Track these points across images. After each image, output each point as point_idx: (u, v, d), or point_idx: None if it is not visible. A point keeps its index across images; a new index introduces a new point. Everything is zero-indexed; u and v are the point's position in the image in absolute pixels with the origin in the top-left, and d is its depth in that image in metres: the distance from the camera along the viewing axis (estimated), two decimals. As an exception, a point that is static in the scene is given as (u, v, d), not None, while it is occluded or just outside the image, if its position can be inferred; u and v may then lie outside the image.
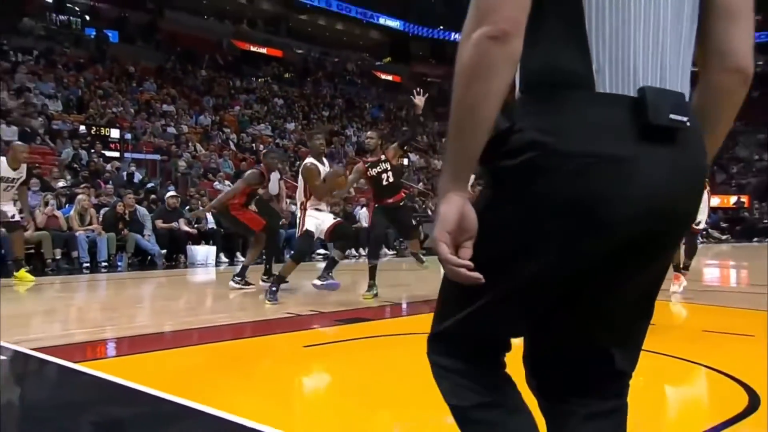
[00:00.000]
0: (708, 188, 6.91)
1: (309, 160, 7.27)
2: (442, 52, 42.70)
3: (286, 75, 33.08)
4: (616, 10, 1.10)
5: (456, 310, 1.28)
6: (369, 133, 7.83)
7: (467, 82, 1.10)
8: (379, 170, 7.15)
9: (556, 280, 1.18)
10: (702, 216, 7.05)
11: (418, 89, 7.30)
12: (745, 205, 33.44)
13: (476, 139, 1.12)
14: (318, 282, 6.84)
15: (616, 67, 1.11)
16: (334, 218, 7.19)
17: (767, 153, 37.89)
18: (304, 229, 6.90)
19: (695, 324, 5.90)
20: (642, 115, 1.07)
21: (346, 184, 7.50)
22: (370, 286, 7.33)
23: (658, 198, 1.09)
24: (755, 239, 28.34)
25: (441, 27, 42.36)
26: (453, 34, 42.44)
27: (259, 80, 31.09)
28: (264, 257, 9.07)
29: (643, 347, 4.46)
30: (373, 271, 7.43)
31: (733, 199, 33.73)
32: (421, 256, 8.05)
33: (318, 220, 6.93)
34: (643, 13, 1.12)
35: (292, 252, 7.46)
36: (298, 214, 7.16)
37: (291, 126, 26.94)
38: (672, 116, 1.08)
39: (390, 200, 7.26)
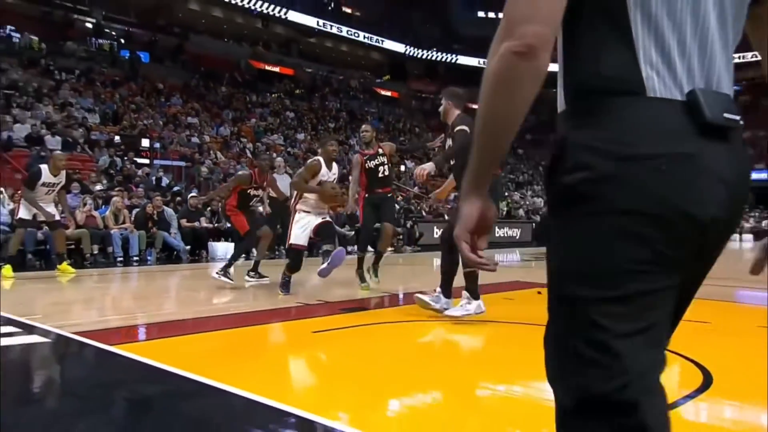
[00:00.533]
0: None
1: (316, 158, 6.99)
2: (435, 71, 42.80)
3: (297, 91, 33.09)
4: (665, 15, 1.03)
5: (599, 357, 1.01)
6: (364, 126, 7.68)
7: (491, 94, 1.04)
8: (377, 163, 7.04)
9: (671, 285, 1.04)
10: None
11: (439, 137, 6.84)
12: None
13: (498, 148, 1.09)
14: (322, 266, 6.43)
15: (665, 71, 1.03)
16: (322, 218, 6.70)
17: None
18: (288, 242, 6.78)
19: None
20: (699, 115, 1.00)
21: (337, 200, 6.99)
22: (361, 277, 7.29)
23: (731, 188, 1.02)
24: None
25: (434, 49, 42.33)
26: (445, 55, 42.53)
27: (273, 96, 31.13)
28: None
29: None
30: (360, 263, 7.38)
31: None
32: (369, 275, 7.40)
33: (304, 226, 6.56)
34: (690, 17, 1.04)
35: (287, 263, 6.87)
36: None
37: (301, 136, 27.01)
38: (726, 115, 1.02)
39: (380, 190, 7.13)
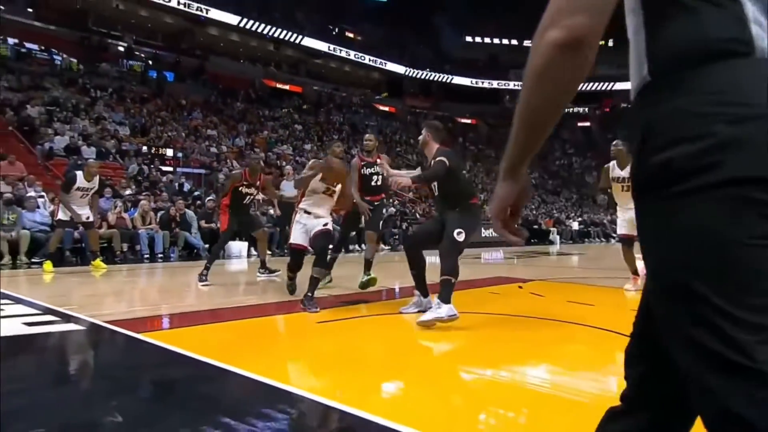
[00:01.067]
0: None
1: (323, 159, 6.56)
2: (429, 89, 42.84)
3: (304, 106, 33.15)
4: None
5: None
6: (368, 135, 7.08)
7: (532, 85, 0.93)
8: (372, 171, 6.62)
9: None
10: None
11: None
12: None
13: (536, 138, 0.98)
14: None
15: None
16: (324, 224, 5.75)
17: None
18: (289, 241, 6.19)
19: (631, 304, 5.92)
20: None
21: (341, 174, 6.06)
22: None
23: None
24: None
25: (428, 69, 42.38)
26: (437, 74, 42.58)
27: (283, 110, 31.22)
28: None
29: (589, 325, 4.46)
30: (332, 262, 6.84)
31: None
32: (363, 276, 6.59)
33: (304, 226, 5.80)
34: None
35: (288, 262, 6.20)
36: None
37: (308, 146, 27.11)
38: None
39: (368, 198, 6.62)
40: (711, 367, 0.79)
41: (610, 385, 3.04)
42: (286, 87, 34.80)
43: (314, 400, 2.61)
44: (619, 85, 43.79)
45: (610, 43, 46.85)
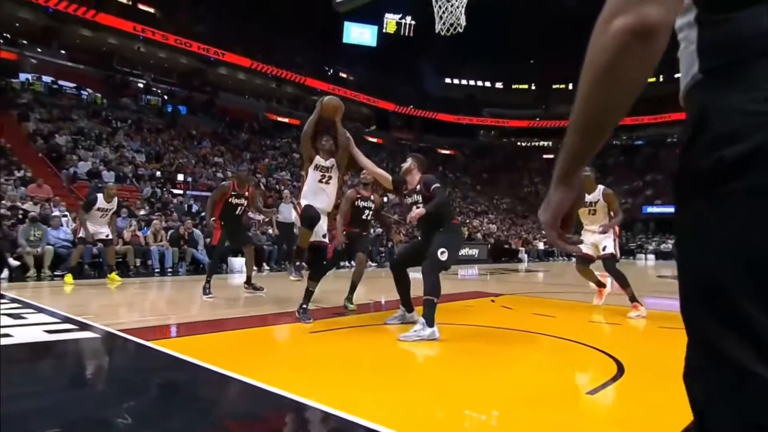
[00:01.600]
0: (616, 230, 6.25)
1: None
2: (412, 124, 43.12)
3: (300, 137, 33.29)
4: None
5: None
6: (365, 172, 6.31)
7: (596, 84, 0.78)
8: (365, 206, 6.21)
9: None
10: (609, 243, 6.07)
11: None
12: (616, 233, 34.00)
13: (596, 140, 0.84)
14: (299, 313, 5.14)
15: None
16: (322, 236, 5.45)
17: (629, 197, 38.41)
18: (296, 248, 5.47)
19: (587, 317, 5.93)
20: None
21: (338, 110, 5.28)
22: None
23: None
24: (622, 256, 28.88)
25: (412, 106, 42.73)
26: (419, 110, 42.90)
27: (283, 141, 31.23)
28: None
29: (551, 335, 4.42)
30: (353, 289, 6.20)
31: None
32: (352, 299, 6.14)
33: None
34: None
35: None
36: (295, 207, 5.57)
37: (304, 173, 27.12)
38: None
39: (356, 230, 6.20)
40: (737, 377, 0.68)
41: (567, 384, 3.03)
42: (286, 120, 34.94)
43: (307, 404, 2.57)
44: (633, 121, 44.19)
45: (570, 86, 47.63)
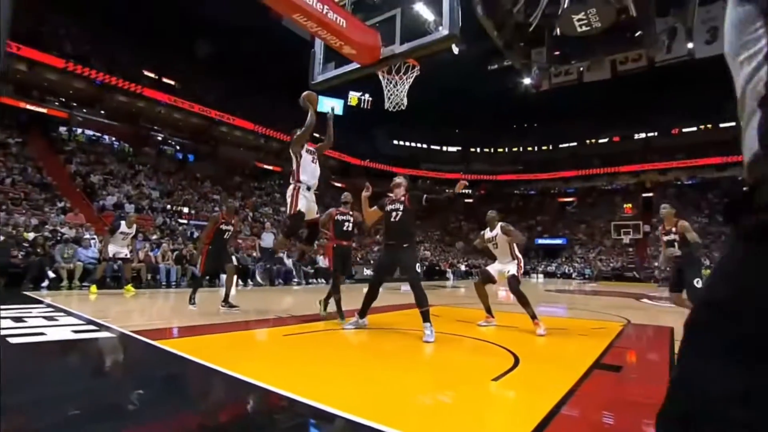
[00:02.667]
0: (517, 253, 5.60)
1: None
2: (368, 173, 43.30)
3: (281, 181, 33.05)
4: None
5: None
6: (346, 193, 6.07)
7: None
8: (344, 219, 5.70)
9: None
10: (512, 268, 5.43)
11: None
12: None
13: None
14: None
15: None
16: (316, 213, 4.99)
17: (526, 232, 39.55)
18: (297, 209, 4.65)
19: (496, 322, 6.02)
20: None
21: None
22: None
23: None
24: (522, 276, 29.85)
25: (367, 159, 43.11)
26: (373, 163, 43.27)
27: (268, 183, 30.97)
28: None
29: (470, 336, 4.45)
30: (329, 298, 5.87)
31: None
32: (320, 306, 5.93)
33: (309, 201, 4.84)
34: None
35: (284, 229, 5.09)
36: (290, 194, 4.77)
37: (283, 209, 27.00)
38: None
39: (344, 243, 5.67)
40: None
41: (478, 373, 3.07)
42: (271, 168, 34.77)
43: (282, 394, 2.51)
44: (488, 177, 45.84)
45: (491, 150, 49.31)
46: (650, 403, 2.71)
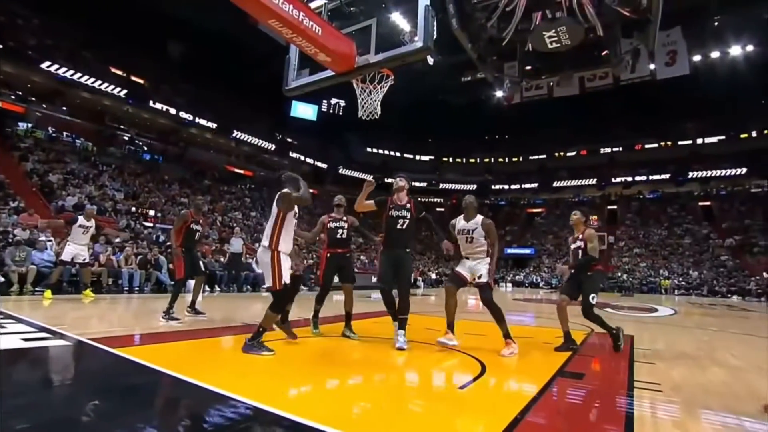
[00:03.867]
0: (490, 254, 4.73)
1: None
2: (343, 179, 43.20)
3: (252, 186, 32.59)
4: None
5: None
6: (339, 196, 5.51)
7: None
8: (338, 226, 5.17)
9: None
10: (484, 271, 4.51)
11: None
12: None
13: None
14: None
15: None
16: (293, 270, 4.47)
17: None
18: (282, 281, 4.04)
19: (464, 330, 6.09)
20: None
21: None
22: (314, 324, 5.20)
23: None
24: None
25: (340, 166, 43.05)
26: (346, 170, 43.26)
27: (238, 187, 30.48)
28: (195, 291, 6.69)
29: (435, 344, 4.44)
30: (316, 314, 5.25)
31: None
32: (352, 331, 5.05)
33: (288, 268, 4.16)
34: None
35: (273, 305, 4.11)
36: (268, 263, 4.06)
37: (253, 213, 26.56)
38: None
39: (339, 250, 5.12)
40: None
41: (446, 381, 3.10)
42: (241, 172, 34.30)
43: (248, 403, 2.47)
44: (459, 186, 46.47)
45: (463, 160, 50.03)
46: (611, 409, 2.80)
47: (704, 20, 22.34)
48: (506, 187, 47.33)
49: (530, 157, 48.15)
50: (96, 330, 4.67)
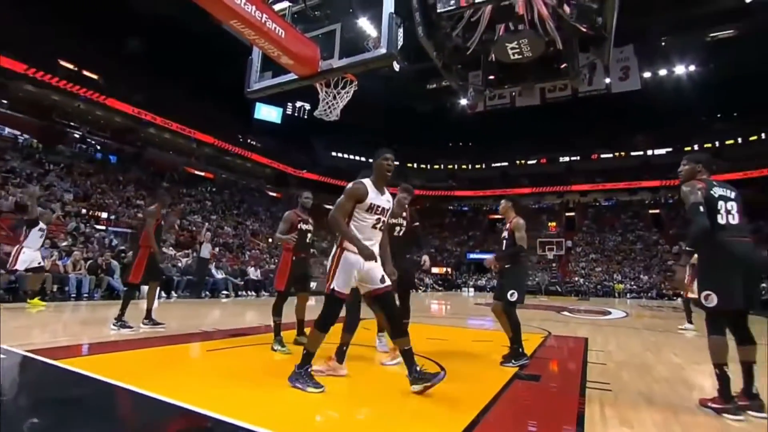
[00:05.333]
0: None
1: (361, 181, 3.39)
2: (306, 183, 42.80)
3: (213, 189, 31.68)
4: None
5: None
6: (307, 193, 5.04)
7: None
8: (307, 228, 4.79)
9: None
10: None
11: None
12: (449, 273, 36.19)
13: None
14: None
15: None
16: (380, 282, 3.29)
17: (458, 247, 40.95)
18: (329, 287, 3.16)
19: (425, 335, 6.15)
20: None
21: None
22: (280, 343, 4.49)
23: None
24: (453, 290, 30.60)
25: (304, 169, 42.67)
26: (311, 173, 42.90)
27: (199, 189, 29.57)
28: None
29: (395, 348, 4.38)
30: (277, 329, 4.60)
31: (444, 269, 36.24)
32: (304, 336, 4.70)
33: (348, 271, 3.20)
34: None
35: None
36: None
37: (213, 217, 25.83)
38: None
39: (303, 255, 4.75)
40: None
41: (404, 387, 3.14)
42: (202, 174, 33.25)
43: (203, 414, 2.41)
44: (423, 192, 46.93)
45: (428, 166, 50.63)
46: (564, 410, 2.91)
47: (653, 40, 23.78)
48: (469, 193, 48.25)
49: (493, 164, 49.36)
50: (37, 341, 4.41)
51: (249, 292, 14.16)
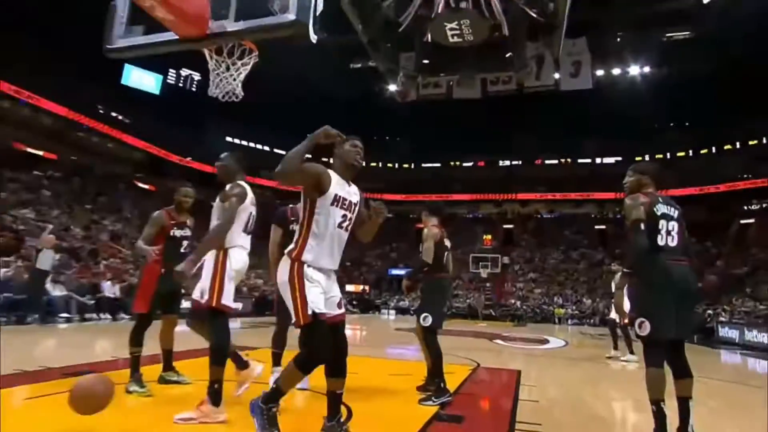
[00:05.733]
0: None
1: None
2: (188, 172, 41.13)
3: (56, 174, 28.72)
4: None
5: None
6: (186, 189, 4.91)
7: None
8: (183, 234, 4.59)
9: None
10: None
11: None
12: (366, 291, 36.68)
13: None
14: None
15: None
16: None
17: (379, 260, 41.60)
18: (308, 314, 2.87)
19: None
20: None
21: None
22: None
23: None
24: (371, 311, 31.16)
25: (189, 157, 40.94)
26: (198, 162, 41.27)
27: (32, 174, 26.93)
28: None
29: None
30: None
31: (360, 287, 36.65)
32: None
33: (323, 290, 3.01)
34: None
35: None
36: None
37: (55, 212, 23.78)
38: None
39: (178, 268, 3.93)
40: None
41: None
42: (40, 153, 29.41)
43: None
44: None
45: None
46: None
47: (608, 34, 26.00)
48: (396, 197, 49.16)
49: (423, 165, 50.66)
50: None
51: (102, 315, 13.15)
